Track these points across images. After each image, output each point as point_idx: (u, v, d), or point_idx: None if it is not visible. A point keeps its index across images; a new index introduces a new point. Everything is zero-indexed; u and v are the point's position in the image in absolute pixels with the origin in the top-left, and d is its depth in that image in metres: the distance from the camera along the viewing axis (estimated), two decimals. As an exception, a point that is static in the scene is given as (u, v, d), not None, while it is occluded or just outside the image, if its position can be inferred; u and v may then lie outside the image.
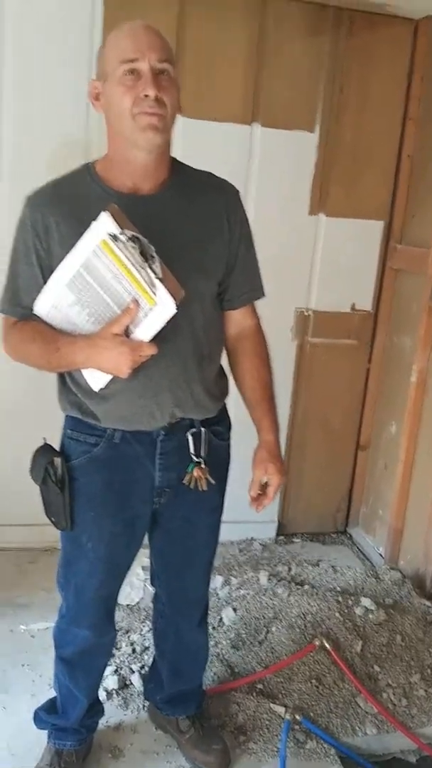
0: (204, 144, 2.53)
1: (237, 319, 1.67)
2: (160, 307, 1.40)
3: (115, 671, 2.17)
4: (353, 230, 2.87)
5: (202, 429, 1.61)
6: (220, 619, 2.44)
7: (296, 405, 3.02)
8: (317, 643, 2.25)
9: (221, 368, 1.69)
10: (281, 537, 3.16)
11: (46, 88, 2.51)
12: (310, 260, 2.87)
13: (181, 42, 2.53)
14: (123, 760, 1.91)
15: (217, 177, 1.63)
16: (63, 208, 1.50)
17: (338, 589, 2.63)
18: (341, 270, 2.91)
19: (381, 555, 2.99)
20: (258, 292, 1.68)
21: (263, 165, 2.72)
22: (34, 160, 2.49)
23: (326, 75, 2.72)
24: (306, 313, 2.92)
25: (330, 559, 2.96)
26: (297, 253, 2.83)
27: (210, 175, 1.62)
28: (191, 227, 1.53)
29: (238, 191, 1.64)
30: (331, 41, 2.69)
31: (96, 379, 1.52)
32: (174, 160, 1.58)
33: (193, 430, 1.60)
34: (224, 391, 1.69)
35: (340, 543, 3.19)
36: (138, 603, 2.54)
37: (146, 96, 1.40)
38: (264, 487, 1.66)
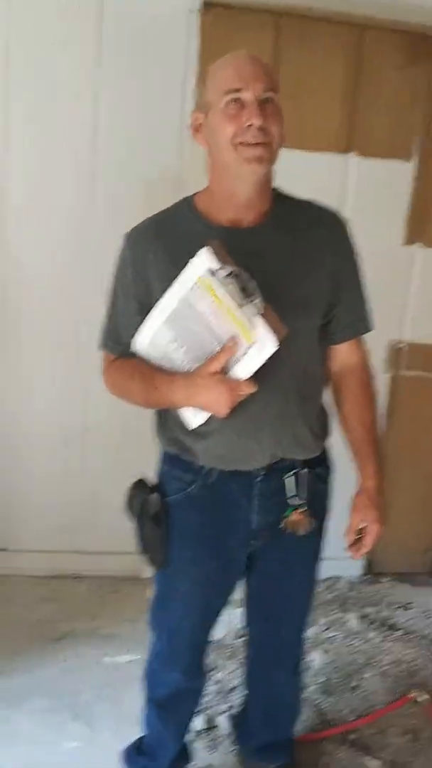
0: (298, 174, 2.49)
1: (341, 355, 1.61)
2: (259, 345, 1.36)
3: (202, 711, 2.12)
4: (451, 261, 2.78)
5: (303, 471, 1.55)
6: (309, 662, 2.35)
7: (387, 441, 2.92)
8: (413, 695, 2.14)
9: (323, 406, 1.63)
10: (368, 576, 3.04)
11: (140, 122, 2.53)
12: (405, 291, 2.79)
13: (276, 71, 2.52)
14: (211, 807, 1.87)
15: (320, 207, 1.57)
16: (161, 244, 1.49)
17: (432, 636, 2.51)
18: (438, 301, 2.82)
19: None
20: (364, 326, 1.60)
21: (358, 194, 2.67)
22: (130, 193, 2.53)
23: (423, 104, 2.65)
24: (399, 345, 2.83)
25: (420, 603, 2.83)
26: (391, 284, 2.75)
27: (312, 204, 1.56)
28: (293, 261, 1.48)
29: (344, 222, 1.57)
30: (429, 70, 2.63)
31: (193, 417, 1.49)
32: (275, 191, 1.53)
33: (293, 472, 1.54)
34: (327, 430, 1.63)
35: (430, 585, 3.05)
36: (222, 639, 2.48)
37: (250, 125, 1.37)
38: (360, 532, 1.59)
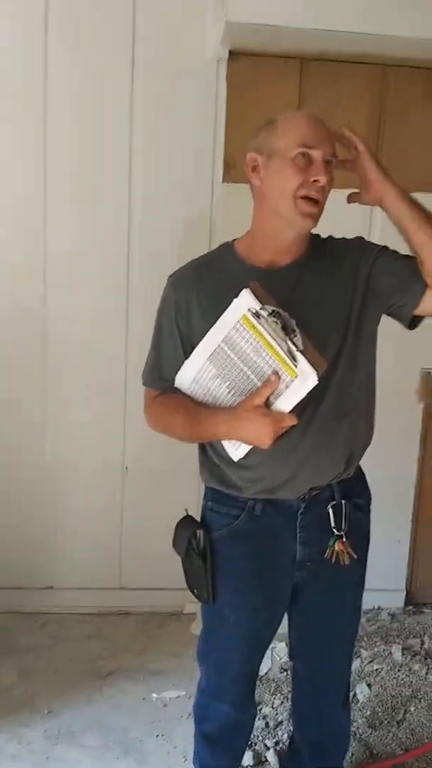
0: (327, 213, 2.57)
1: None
2: (301, 379, 1.42)
3: (249, 746, 2.12)
4: None
5: (343, 501, 1.59)
6: (354, 695, 2.35)
7: (423, 473, 2.92)
8: (462, 727, 2.13)
9: (361, 421, 1.65)
10: (410, 607, 3.03)
11: (172, 169, 2.64)
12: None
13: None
14: None
15: (342, 238, 1.64)
16: (204, 285, 1.56)
17: None
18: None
19: None
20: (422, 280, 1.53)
21: (385, 229, 2.71)
22: (162, 238, 2.63)
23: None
24: (432, 374, 2.85)
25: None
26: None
27: (334, 238, 1.64)
28: (327, 292, 1.55)
29: (361, 237, 1.63)
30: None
31: (235, 450, 1.55)
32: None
33: (334, 502, 1.59)
34: (368, 442, 1.67)
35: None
36: (267, 673, 2.49)
37: (315, 182, 1.46)
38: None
